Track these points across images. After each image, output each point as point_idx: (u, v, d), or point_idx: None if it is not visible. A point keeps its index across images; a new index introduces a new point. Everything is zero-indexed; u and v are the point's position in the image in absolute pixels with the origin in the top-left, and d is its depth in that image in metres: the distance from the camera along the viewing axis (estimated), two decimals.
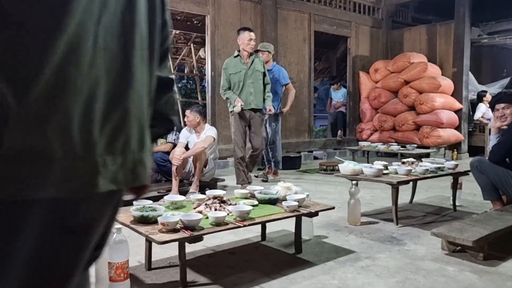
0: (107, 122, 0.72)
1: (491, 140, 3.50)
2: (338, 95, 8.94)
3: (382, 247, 2.82)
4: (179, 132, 4.67)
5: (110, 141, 0.73)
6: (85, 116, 0.68)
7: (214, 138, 4.45)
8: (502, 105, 3.35)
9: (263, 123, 4.99)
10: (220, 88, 4.84)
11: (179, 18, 9.05)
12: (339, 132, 8.62)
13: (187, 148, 4.47)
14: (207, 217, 2.29)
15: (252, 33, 4.80)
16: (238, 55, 4.77)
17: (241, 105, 4.51)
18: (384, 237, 3.04)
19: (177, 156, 4.18)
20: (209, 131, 4.48)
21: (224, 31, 6.53)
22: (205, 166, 4.45)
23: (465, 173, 3.82)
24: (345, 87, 8.91)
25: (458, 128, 7.73)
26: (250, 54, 4.78)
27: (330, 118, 9.25)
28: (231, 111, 4.75)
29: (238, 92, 4.68)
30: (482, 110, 8.00)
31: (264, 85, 4.86)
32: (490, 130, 3.58)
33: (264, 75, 4.86)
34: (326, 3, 7.98)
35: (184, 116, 4.71)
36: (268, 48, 5.56)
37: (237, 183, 4.70)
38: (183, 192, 4.11)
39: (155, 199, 3.85)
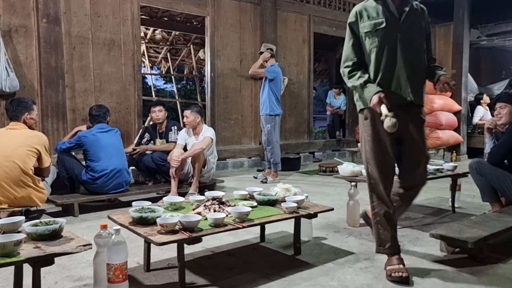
0: None
1: (487, 143, 3.51)
2: (337, 102, 8.94)
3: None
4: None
5: None
6: None
7: (212, 139, 4.45)
8: (501, 104, 3.37)
9: (424, 131, 2.47)
10: (342, 64, 2.49)
11: (178, 19, 9.06)
12: (337, 133, 8.64)
13: (185, 149, 4.47)
14: (206, 219, 2.29)
15: None
16: None
17: (387, 107, 2.19)
18: None
19: (175, 157, 4.18)
20: (207, 132, 4.48)
21: (224, 32, 6.54)
22: (203, 167, 4.45)
23: (464, 174, 3.82)
24: (345, 93, 8.85)
25: (457, 129, 7.74)
26: None
27: (328, 120, 9.28)
28: (360, 110, 2.47)
29: (380, 71, 2.36)
30: (480, 113, 8.03)
31: (429, 58, 2.49)
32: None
33: (428, 39, 2.48)
34: (326, 4, 7.99)
35: (183, 117, 4.68)
36: (268, 46, 5.78)
37: (376, 250, 2.45)
38: (182, 193, 4.12)
39: (154, 200, 3.86)
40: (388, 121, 2.12)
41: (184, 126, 4.63)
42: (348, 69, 2.43)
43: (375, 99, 2.23)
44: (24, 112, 3.43)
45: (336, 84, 9.23)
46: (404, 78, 2.34)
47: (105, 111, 4.20)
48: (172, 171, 4.22)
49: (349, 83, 2.43)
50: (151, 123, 4.92)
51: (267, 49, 5.79)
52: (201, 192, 4.13)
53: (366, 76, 2.36)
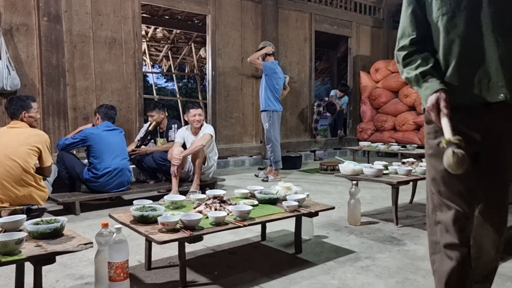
0: None
1: None
2: (339, 102, 8.88)
3: (382, 247, 2.82)
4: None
5: None
6: None
7: (212, 136, 4.45)
8: None
9: None
10: (396, 43, 1.63)
11: (179, 17, 9.06)
12: (339, 131, 8.62)
13: (184, 147, 4.47)
14: (207, 217, 2.29)
15: None
16: None
17: (446, 113, 1.40)
18: (384, 237, 3.04)
19: (176, 155, 4.18)
20: (206, 129, 4.48)
21: (225, 30, 6.53)
22: (204, 163, 4.45)
23: None
24: (348, 94, 8.75)
25: None
26: None
27: (329, 119, 9.25)
28: (424, 110, 1.55)
29: (452, 54, 1.48)
30: None
31: None
32: None
33: None
34: (327, 2, 7.98)
35: (184, 114, 4.68)
36: (265, 45, 5.77)
37: None
38: (183, 192, 4.12)
39: (155, 198, 3.86)
40: (449, 155, 1.32)
41: (186, 123, 4.64)
42: (403, 52, 1.56)
43: (431, 100, 1.42)
44: (21, 110, 3.42)
45: (342, 86, 8.83)
46: (495, 63, 1.43)
47: (116, 113, 4.35)
48: (173, 169, 4.22)
49: (403, 74, 1.57)
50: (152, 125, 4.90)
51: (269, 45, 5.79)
52: (202, 190, 4.13)
53: (430, 63, 1.50)
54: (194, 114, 4.44)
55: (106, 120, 4.14)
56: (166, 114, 4.98)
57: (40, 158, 3.42)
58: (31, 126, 3.49)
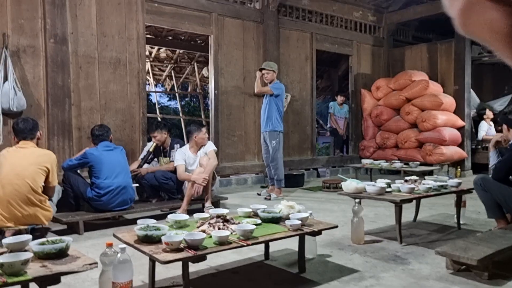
0: None
1: (491, 157, 3.52)
2: (342, 111, 8.98)
3: (386, 266, 2.81)
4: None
5: None
6: None
7: (216, 151, 4.60)
8: (502, 125, 3.44)
9: None
10: None
11: (183, 38, 9.21)
12: (337, 151, 8.64)
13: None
14: (211, 236, 2.30)
15: None
16: None
17: None
18: (388, 256, 3.03)
19: (203, 176, 4.24)
20: (209, 146, 4.57)
21: (227, 50, 6.63)
22: (213, 179, 4.56)
23: (469, 191, 3.81)
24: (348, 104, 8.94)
25: (461, 145, 7.73)
26: None
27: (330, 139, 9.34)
28: None
29: None
30: (484, 128, 8.03)
31: None
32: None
33: None
34: (328, 22, 8.10)
35: (187, 133, 4.74)
36: (273, 67, 5.71)
37: None
38: (189, 211, 4.13)
39: (158, 217, 3.86)
40: None
41: (188, 142, 4.72)
42: None
43: None
44: (37, 130, 3.54)
45: (340, 92, 9.28)
46: None
47: (107, 129, 4.25)
48: (200, 190, 4.27)
49: None
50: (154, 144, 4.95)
51: (271, 69, 5.76)
52: (201, 209, 4.14)
53: None
54: (205, 132, 4.61)
55: (98, 142, 4.15)
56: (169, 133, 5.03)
57: (46, 177, 3.45)
58: (37, 145, 3.56)
